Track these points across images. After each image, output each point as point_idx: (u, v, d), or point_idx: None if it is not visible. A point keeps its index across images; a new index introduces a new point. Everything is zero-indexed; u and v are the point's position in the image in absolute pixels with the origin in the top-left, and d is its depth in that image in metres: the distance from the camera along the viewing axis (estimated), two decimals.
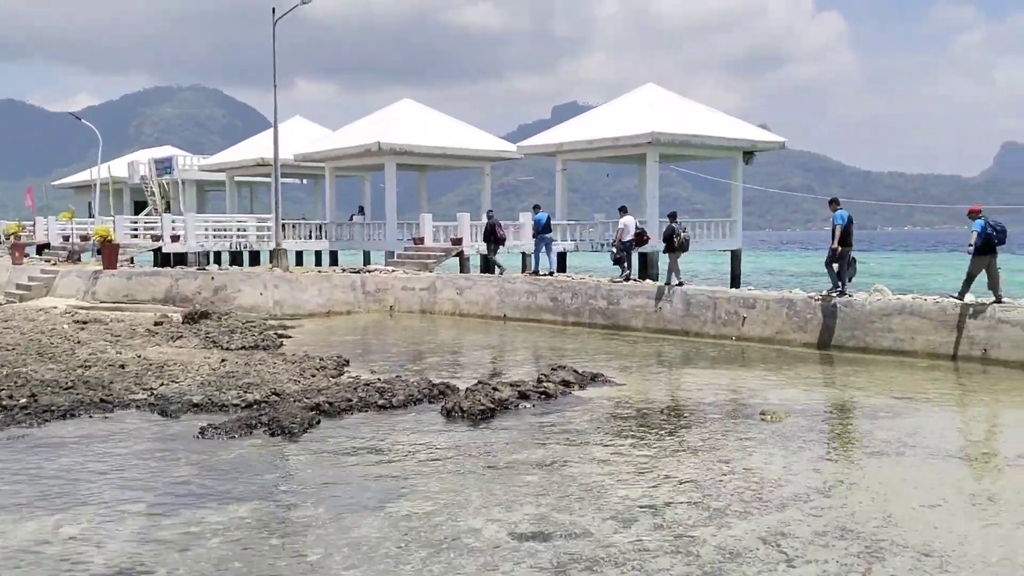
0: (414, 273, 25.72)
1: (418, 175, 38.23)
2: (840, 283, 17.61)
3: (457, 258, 27.73)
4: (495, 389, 12.02)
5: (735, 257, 31.25)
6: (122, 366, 13.94)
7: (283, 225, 33.28)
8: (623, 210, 22.72)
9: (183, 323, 19.49)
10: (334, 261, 35.85)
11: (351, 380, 13.31)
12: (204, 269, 23.76)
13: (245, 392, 12.13)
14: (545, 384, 12.83)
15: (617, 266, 22.19)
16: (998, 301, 15.55)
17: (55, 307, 23.05)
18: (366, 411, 11.52)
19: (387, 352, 17.65)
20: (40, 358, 14.62)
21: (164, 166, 44.39)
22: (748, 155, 31.56)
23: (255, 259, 36.61)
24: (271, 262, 27.55)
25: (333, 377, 13.79)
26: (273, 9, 26.57)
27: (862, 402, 12.27)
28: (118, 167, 49.34)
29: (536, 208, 25.18)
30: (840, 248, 17.34)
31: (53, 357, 14.74)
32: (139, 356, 15.01)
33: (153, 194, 45.28)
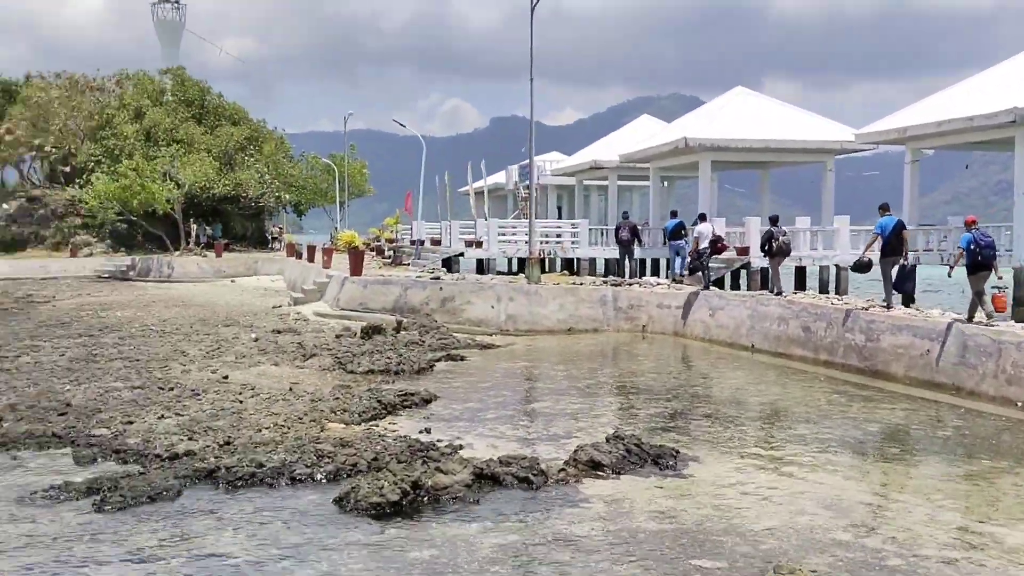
0: (676, 289, 21.78)
1: (760, 174, 33.26)
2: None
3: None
4: (439, 470, 8.53)
5: None
6: (171, 389, 12.86)
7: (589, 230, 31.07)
8: (702, 217, 22.45)
9: (360, 337, 18.15)
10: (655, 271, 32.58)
11: (366, 434, 10.60)
12: (436, 279, 22.23)
13: (195, 436, 10.12)
14: (550, 463, 9.03)
15: (691, 276, 21.87)
16: None
17: (305, 314, 23.27)
18: (269, 487, 8.58)
19: (546, 389, 14.46)
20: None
21: (524, 172, 44.57)
22: None
23: (569, 267, 34.51)
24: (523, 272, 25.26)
25: (353, 423, 11.19)
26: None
27: None
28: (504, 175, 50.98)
29: (673, 213, 25.12)
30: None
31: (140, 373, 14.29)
32: (224, 378, 13.81)
33: (524, 200, 45.80)
